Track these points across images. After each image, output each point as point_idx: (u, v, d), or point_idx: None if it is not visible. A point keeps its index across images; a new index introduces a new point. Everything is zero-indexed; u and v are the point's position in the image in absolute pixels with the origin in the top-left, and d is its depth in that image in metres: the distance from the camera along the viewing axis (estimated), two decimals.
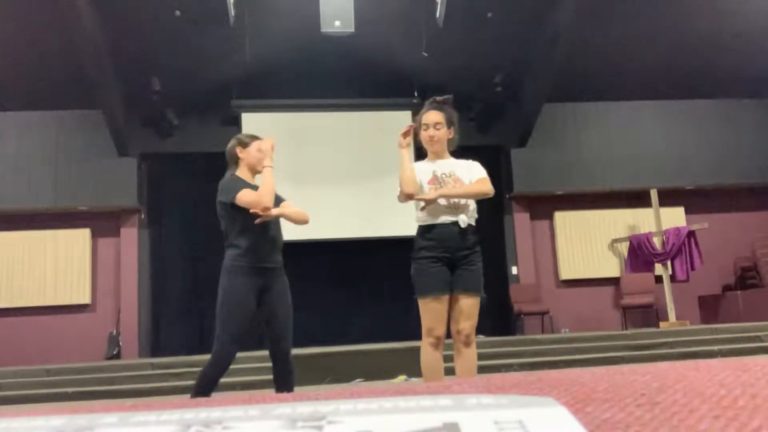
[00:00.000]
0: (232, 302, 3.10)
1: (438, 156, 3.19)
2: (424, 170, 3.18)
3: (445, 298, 3.00)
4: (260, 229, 3.15)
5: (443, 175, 3.12)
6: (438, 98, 3.21)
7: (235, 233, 3.16)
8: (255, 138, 3.34)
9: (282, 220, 3.32)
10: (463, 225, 3.03)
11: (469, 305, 3.00)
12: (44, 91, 8.68)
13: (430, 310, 2.99)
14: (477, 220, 3.15)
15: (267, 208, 3.11)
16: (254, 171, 3.31)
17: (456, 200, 3.07)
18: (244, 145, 3.30)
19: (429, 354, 3.02)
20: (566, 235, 10.23)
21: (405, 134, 3.17)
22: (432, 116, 3.16)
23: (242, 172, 3.29)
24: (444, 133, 3.16)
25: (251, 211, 3.09)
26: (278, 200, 3.30)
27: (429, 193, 3.06)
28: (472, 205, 3.11)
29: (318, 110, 9.79)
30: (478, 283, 3.03)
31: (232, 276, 3.12)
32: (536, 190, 9.99)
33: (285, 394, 0.39)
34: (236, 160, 3.31)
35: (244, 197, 3.12)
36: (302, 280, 9.37)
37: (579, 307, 10.00)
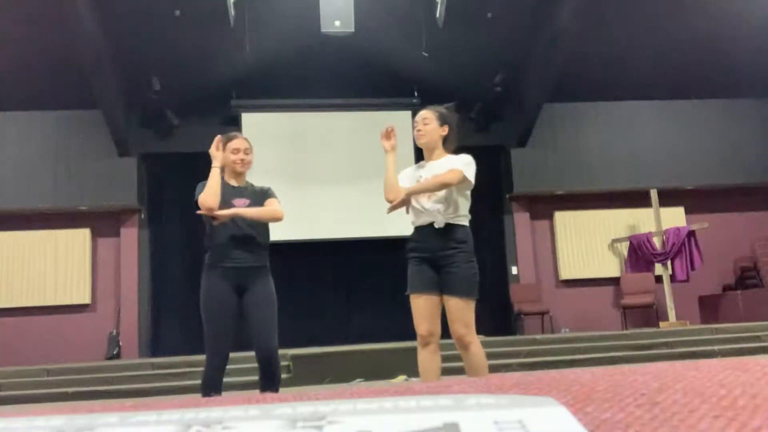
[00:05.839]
0: (208, 302, 3.11)
1: (430, 158, 3.12)
2: (410, 176, 3.14)
3: (428, 296, 2.98)
4: (225, 229, 3.13)
5: (425, 180, 3.04)
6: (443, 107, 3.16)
7: (207, 234, 3.20)
8: (231, 138, 3.33)
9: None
10: (437, 226, 2.98)
11: (455, 307, 2.94)
12: (44, 91, 8.68)
13: (414, 308, 3.02)
14: (471, 221, 3.08)
15: (211, 209, 3.09)
16: (231, 171, 3.30)
17: (427, 203, 3.01)
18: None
19: (420, 353, 3.01)
20: (566, 235, 10.24)
21: (386, 136, 3.15)
22: (420, 114, 3.14)
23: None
24: (432, 129, 3.08)
25: (197, 212, 3.12)
26: (265, 197, 3.28)
27: (402, 192, 3.04)
28: (451, 206, 2.99)
29: (318, 110, 9.79)
30: (461, 285, 2.93)
31: (205, 276, 3.14)
32: (536, 190, 9.99)
33: (285, 394, 0.40)
34: None
35: (199, 198, 3.15)
36: (302, 281, 9.49)
37: (579, 307, 10.00)
